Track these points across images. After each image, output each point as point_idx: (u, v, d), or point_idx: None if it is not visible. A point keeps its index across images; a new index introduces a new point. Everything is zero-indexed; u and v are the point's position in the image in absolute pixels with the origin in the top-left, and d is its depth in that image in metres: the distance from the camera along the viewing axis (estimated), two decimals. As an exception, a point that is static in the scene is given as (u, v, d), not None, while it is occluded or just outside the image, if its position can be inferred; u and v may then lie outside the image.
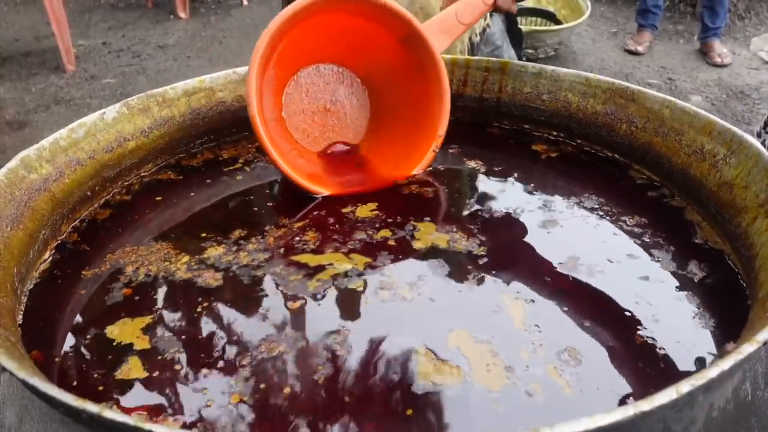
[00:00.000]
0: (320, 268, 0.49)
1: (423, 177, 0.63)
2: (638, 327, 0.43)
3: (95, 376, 0.41)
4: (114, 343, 0.43)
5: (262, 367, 0.41)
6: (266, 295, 0.47)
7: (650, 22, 2.93)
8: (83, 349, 0.43)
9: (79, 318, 0.46)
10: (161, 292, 0.48)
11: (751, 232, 0.47)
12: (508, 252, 0.52)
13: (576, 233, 0.54)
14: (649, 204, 0.58)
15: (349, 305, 0.46)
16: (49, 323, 0.45)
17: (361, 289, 0.47)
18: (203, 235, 0.54)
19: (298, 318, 0.45)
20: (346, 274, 0.49)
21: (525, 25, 2.74)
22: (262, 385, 0.39)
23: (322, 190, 0.59)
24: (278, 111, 0.64)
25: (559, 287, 0.47)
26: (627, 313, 0.45)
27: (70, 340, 0.44)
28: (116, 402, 0.38)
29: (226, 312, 0.46)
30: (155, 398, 0.39)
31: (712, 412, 0.35)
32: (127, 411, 0.38)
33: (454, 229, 0.54)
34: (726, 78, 2.63)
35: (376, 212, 0.56)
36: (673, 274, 0.48)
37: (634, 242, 0.52)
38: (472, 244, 0.52)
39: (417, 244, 0.52)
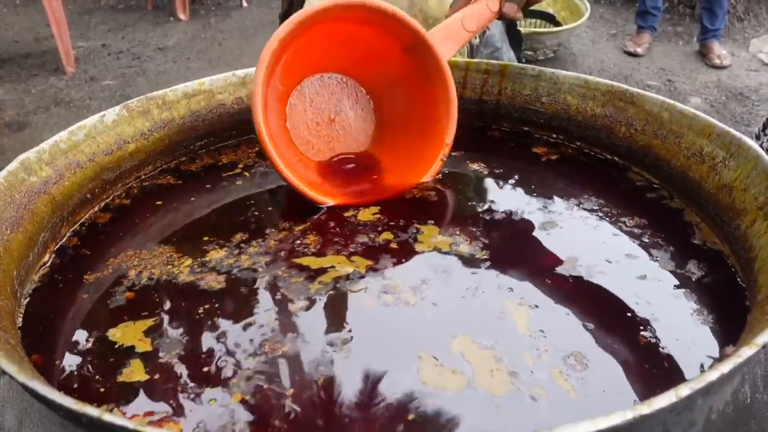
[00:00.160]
0: (322, 271, 0.49)
1: (426, 180, 0.62)
2: (641, 327, 0.43)
3: (97, 379, 0.41)
4: (116, 346, 0.43)
5: (263, 369, 0.41)
6: (268, 298, 0.47)
7: (649, 23, 2.94)
8: (85, 353, 0.43)
9: (81, 321, 0.46)
10: (164, 296, 0.48)
11: (750, 235, 0.47)
12: (510, 255, 0.52)
13: (577, 235, 0.54)
14: (649, 205, 0.58)
15: (352, 308, 0.46)
16: (50, 327, 0.46)
17: (364, 292, 0.47)
18: (205, 238, 0.54)
19: (300, 320, 0.45)
20: (348, 277, 0.49)
21: (524, 26, 2.74)
22: (264, 386, 0.39)
23: (328, 201, 0.58)
24: (282, 121, 0.63)
25: (562, 291, 0.47)
26: (629, 314, 0.45)
27: (71, 344, 0.44)
28: (117, 405, 0.38)
29: (229, 314, 0.46)
30: (157, 401, 0.39)
31: (711, 415, 0.35)
32: (129, 414, 0.38)
33: (457, 232, 0.54)
34: (725, 80, 2.64)
35: (378, 216, 0.57)
36: (673, 273, 0.48)
37: (635, 243, 0.52)
38: (475, 248, 0.52)
39: (419, 247, 0.52)
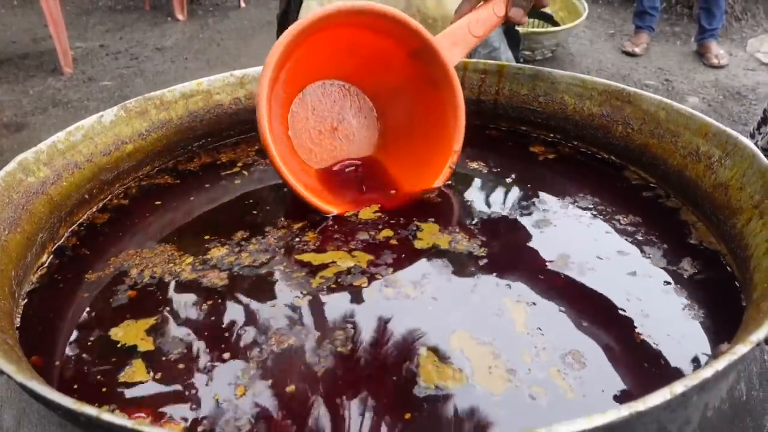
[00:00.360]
0: (323, 266, 0.50)
1: (435, 187, 0.61)
2: (636, 325, 0.43)
3: (98, 379, 0.41)
4: (118, 345, 0.43)
5: (265, 364, 0.41)
6: (271, 293, 0.47)
7: (647, 23, 2.94)
8: (86, 352, 0.43)
9: (82, 321, 0.46)
10: (167, 294, 0.48)
11: (745, 233, 0.47)
12: (508, 253, 0.52)
13: (575, 234, 0.54)
14: (646, 204, 0.58)
15: (353, 302, 0.46)
16: (50, 327, 0.46)
17: (365, 285, 0.47)
18: (206, 237, 0.54)
19: (301, 314, 0.45)
20: (349, 271, 0.49)
21: (522, 26, 2.75)
22: (267, 380, 0.39)
23: (334, 210, 0.57)
24: (285, 129, 0.62)
25: (560, 289, 0.47)
26: (627, 312, 0.45)
27: (72, 343, 0.44)
28: (119, 405, 0.38)
29: (232, 310, 0.46)
30: (159, 400, 0.39)
31: (707, 412, 0.35)
32: (131, 413, 0.38)
33: (457, 230, 0.54)
34: (723, 79, 2.64)
35: (378, 214, 0.57)
36: (672, 272, 0.49)
37: (635, 243, 0.52)
38: (474, 245, 0.52)
39: (419, 244, 0.52)
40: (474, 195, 0.61)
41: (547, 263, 0.50)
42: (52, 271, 0.52)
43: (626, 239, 0.53)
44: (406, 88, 0.64)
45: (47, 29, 2.80)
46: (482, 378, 0.39)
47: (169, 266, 0.51)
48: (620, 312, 0.45)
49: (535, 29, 2.74)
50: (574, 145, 0.68)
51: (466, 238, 0.53)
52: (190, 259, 0.51)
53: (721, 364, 0.30)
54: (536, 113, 0.70)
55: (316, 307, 0.46)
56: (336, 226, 0.55)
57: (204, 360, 0.42)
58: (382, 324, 0.44)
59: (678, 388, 0.28)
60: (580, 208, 0.57)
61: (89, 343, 0.44)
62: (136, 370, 0.41)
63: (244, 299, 0.47)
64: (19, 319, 0.46)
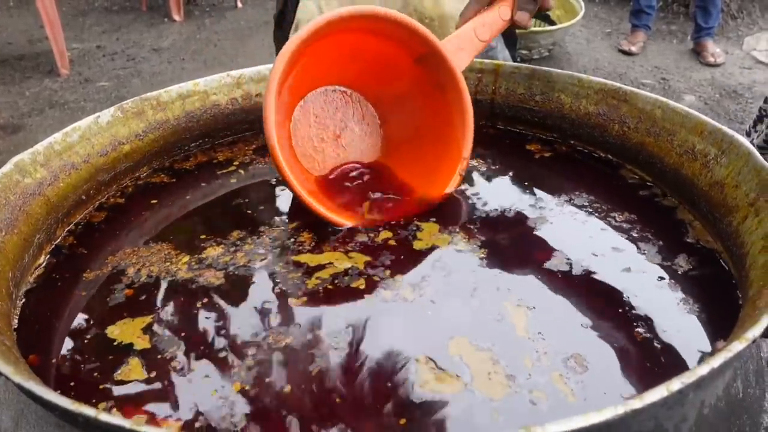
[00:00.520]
0: (319, 267, 0.50)
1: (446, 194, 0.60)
2: (636, 325, 0.43)
3: (95, 377, 0.41)
4: (114, 344, 0.43)
5: (261, 363, 0.41)
6: (266, 293, 0.47)
7: (644, 22, 2.95)
8: (83, 351, 0.43)
9: (79, 320, 0.46)
10: (164, 292, 0.48)
11: (741, 231, 0.47)
12: (508, 254, 0.52)
13: (575, 234, 0.54)
14: (645, 204, 0.58)
15: (350, 304, 0.46)
16: (47, 326, 0.46)
17: (362, 287, 0.47)
18: (202, 236, 0.54)
19: (296, 315, 0.45)
20: (346, 273, 0.49)
21: (519, 26, 2.74)
22: (261, 380, 0.39)
23: (347, 222, 0.55)
24: (288, 138, 0.60)
25: (562, 291, 0.47)
26: (628, 312, 0.45)
27: (69, 342, 0.44)
28: (116, 404, 0.38)
29: (228, 309, 0.46)
30: (156, 399, 0.39)
31: (703, 410, 0.36)
32: (127, 412, 0.38)
33: (457, 230, 0.54)
34: (719, 77, 2.65)
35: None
36: (672, 271, 0.49)
37: (631, 241, 0.52)
38: (474, 246, 0.52)
39: (418, 245, 0.52)
40: (473, 194, 0.61)
41: (547, 265, 0.50)
42: (49, 270, 0.52)
43: (623, 237, 0.53)
44: (411, 95, 0.63)
45: (43, 30, 2.79)
46: (481, 383, 0.39)
47: (166, 265, 0.51)
48: (621, 312, 0.45)
49: (532, 28, 2.74)
50: (570, 143, 0.68)
51: (466, 238, 0.53)
52: (186, 259, 0.51)
53: (717, 361, 0.30)
54: (533, 112, 0.70)
55: (312, 309, 0.46)
56: (333, 227, 0.55)
57: (200, 358, 0.42)
58: (379, 327, 0.44)
59: (674, 385, 0.28)
60: (578, 206, 0.57)
61: (86, 342, 0.44)
62: (132, 368, 0.41)
63: (240, 299, 0.47)
64: (16, 320, 0.46)
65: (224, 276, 0.49)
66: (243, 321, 0.45)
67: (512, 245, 0.53)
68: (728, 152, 0.52)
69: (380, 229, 0.54)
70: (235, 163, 0.67)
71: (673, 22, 3.27)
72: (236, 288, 0.48)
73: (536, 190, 0.60)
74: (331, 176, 0.61)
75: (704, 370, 0.29)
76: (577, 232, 0.54)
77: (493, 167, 0.65)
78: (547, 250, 0.51)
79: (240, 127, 0.72)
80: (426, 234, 0.53)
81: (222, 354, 0.42)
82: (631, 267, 0.49)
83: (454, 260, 0.50)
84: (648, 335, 0.43)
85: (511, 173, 0.64)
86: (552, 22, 2.74)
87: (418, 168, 0.61)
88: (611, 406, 0.27)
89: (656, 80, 2.65)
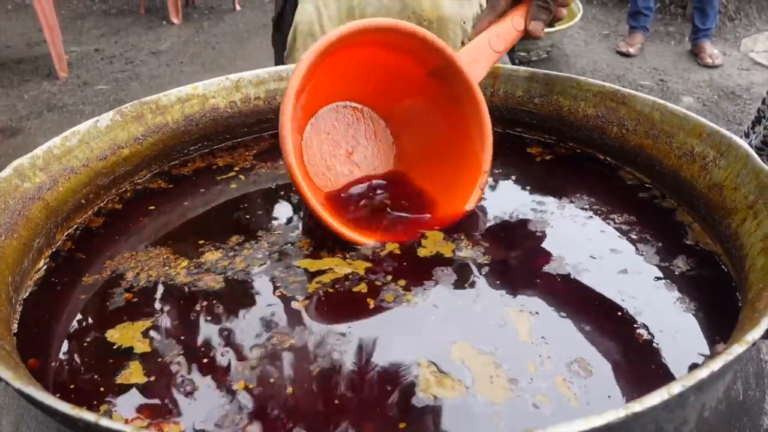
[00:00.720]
0: (320, 272, 0.50)
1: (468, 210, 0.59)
2: (639, 328, 0.43)
3: (95, 381, 0.41)
4: (114, 348, 0.43)
5: (261, 366, 0.41)
6: (266, 297, 0.47)
7: (641, 24, 2.95)
8: (83, 355, 0.43)
9: (78, 324, 0.46)
10: (163, 296, 0.48)
11: (740, 233, 0.47)
12: (512, 261, 0.52)
13: (577, 239, 0.54)
14: (651, 209, 0.58)
15: (352, 308, 0.46)
16: (47, 330, 0.46)
17: (365, 291, 0.47)
18: (200, 241, 0.54)
19: (298, 318, 0.45)
20: (346, 278, 0.49)
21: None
22: (262, 383, 0.39)
23: (367, 241, 0.53)
24: (300, 156, 0.58)
25: (566, 296, 0.47)
26: (631, 315, 0.45)
27: (69, 346, 0.44)
28: (116, 408, 0.38)
29: (228, 312, 0.46)
30: (157, 402, 0.39)
31: (704, 413, 0.36)
32: (128, 416, 0.38)
33: (462, 237, 0.54)
34: (717, 79, 2.65)
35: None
36: (672, 273, 0.49)
37: (631, 242, 0.52)
38: (477, 252, 0.52)
39: (422, 252, 0.52)
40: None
41: (551, 270, 0.49)
42: (48, 274, 0.51)
43: (623, 240, 0.53)
44: (425, 108, 0.61)
45: (42, 34, 2.80)
46: (483, 387, 0.39)
47: (165, 269, 0.51)
48: (623, 315, 0.45)
49: (530, 30, 2.75)
50: (570, 146, 0.69)
51: (470, 245, 0.52)
52: (185, 263, 0.51)
53: (717, 364, 0.30)
54: (531, 114, 0.70)
55: (313, 312, 0.46)
56: (331, 233, 0.54)
57: (200, 361, 0.42)
58: (382, 331, 0.44)
59: (675, 388, 0.28)
60: (579, 210, 0.57)
61: (86, 346, 0.44)
62: (132, 371, 0.41)
63: (240, 302, 0.47)
64: (16, 325, 0.46)
65: (224, 280, 0.49)
66: (244, 323, 0.45)
67: (516, 252, 0.53)
68: (727, 154, 0.52)
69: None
70: (236, 168, 0.67)
71: (670, 23, 3.28)
72: (236, 292, 0.48)
73: (538, 194, 0.60)
74: (344, 193, 0.59)
75: (704, 373, 0.29)
76: (579, 235, 0.54)
77: (495, 171, 0.64)
78: (550, 256, 0.51)
79: (239, 131, 0.72)
80: (430, 242, 0.53)
81: (223, 356, 0.42)
82: (632, 269, 0.49)
83: (457, 266, 0.50)
84: (650, 338, 0.43)
85: (513, 177, 0.63)
86: (550, 24, 2.74)
87: (434, 184, 0.59)
88: (612, 410, 0.27)
89: (654, 82, 2.65)
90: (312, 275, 0.49)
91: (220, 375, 0.40)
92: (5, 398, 0.41)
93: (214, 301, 0.47)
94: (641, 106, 0.61)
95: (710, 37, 2.85)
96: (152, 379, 0.40)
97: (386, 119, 0.63)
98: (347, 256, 0.51)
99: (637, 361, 0.41)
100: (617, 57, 2.91)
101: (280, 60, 1.04)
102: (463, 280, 0.49)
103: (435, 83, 0.60)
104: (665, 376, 0.40)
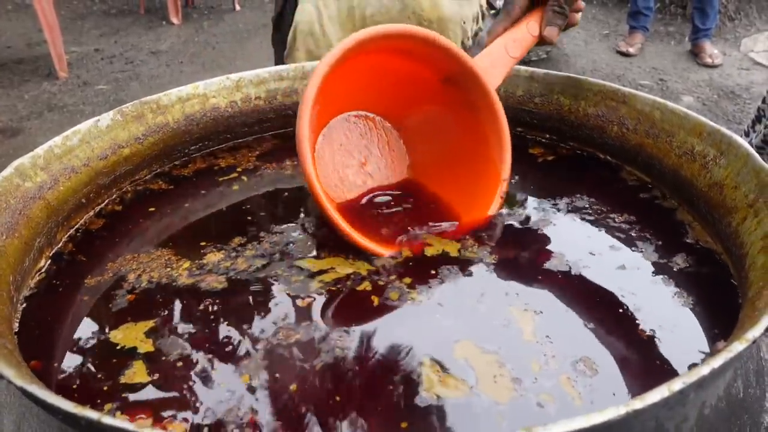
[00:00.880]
0: (322, 272, 0.50)
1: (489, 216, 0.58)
2: (643, 327, 0.43)
3: (99, 381, 0.41)
4: (118, 348, 0.43)
5: (265, 364, 0.41)
6: (269, 296, 0.47)
7: (641, 23, 2.96)
8: (86, 355, 0.43)
9: (81, 324, 0.46)
10: (166, 297, 0.48)
11: (741, 232, 0.47)
12: (517, 260, 0.52)
13: (581, 239, 0.54)
14: (651, 208, 0.58)
15: (356, 305, 0.46)
16: (49, 331, 0.46)
17: (369, 289, 0.47)
18: (202, 243, 0.54)
19: (301, 317, 0.45)
20: (348, 278, 0.49)
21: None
22: (266, 381, 0.39)
23: (386, 251, 0.51)
24: (314, 167, 0.56)
25: (570, 295, 0.47)
26: (635, 315, 0.45)
27: (71, 347, 0.44)
28: (120, 407, 0.38)
29: (231, 311, 0.46)
30: (161, 401, 0.39)
31: (704, 410, 0.36)
32: (132, 415, 0.38)
33: (467, 236, 0.54)
34: (717, 78, 2.65)
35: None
36: (673, 271, 0.49)
37: (629, 241, 0.53)
38: (483, 252, 0.51)
39: (429, 251, 0.52)
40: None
41: (555, 270, 0.50)
42: (50, 276, 0.52)
43: (625, 239, 0.53)
44: (439, 116, 0.61)
45: (42, 34, 2.80)
46: (487, 386, 0.39)
47: (167, 271, 0.51)
48: (627, 314, 0.45)
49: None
50: (571, 146, 0.69)
51: (476, 244, 0.52)
52: (186, 264, 0.51)
53: (717, 361, 0.30)
54: (531, 114, 0.70)
55: (316, 311, 0.46)
56: (333, 233, 0.54)
57: (204, 360, 0.42)
58: (385, 328, 0.44)
59: (676, 385, 0.28)
60: (581, 210, 0.57)
61: (88, 347, 0.44)
62: (136, 371, 0.41)
63: (243, 302, 0.47)
64: (17, 324, 0.46)
65: (226, 280, 0.49)
66: (247, 321, 0.45)
67: (521, 251, 0.53)
68: (727, 153, 0.52)
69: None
70: (239, 169, 0.67)
71: (670, 23, 3.28)
72: (238, 291, 0.48)
73: (541, 195, 0.60)
74: (359, 203, 0.58)
75: (705, 370, 0.29)
76: (582, 235, 0.54)
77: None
78: (554, 255, 0.51)
79: (240, 131, 0.72)
80: (436, 240, 0.53)
81: (227, 353, 0.42)
82: (633, 268, 0.49)
83: (462, 265, 0.50)
84: (653, 336, 0.43)
85: (516, 177, 0.63)
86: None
87: (450, 192, 0.58)
88: (613, 407, 0.27)
89: (654, 81, 2.65)
90: (315, 274, 0.49)
91: (224, 372, 0.40)
92: (7, 397, 0.41)
93: (217, 301, 0.47)
94: (641, 106, 0.61)
95: (710, 37, 2.85)
96: (156, 378, 0.40)
97: (399, 128, 0.63)
98: (354, 254, 0.51)
99: (642, 360, 0.41)
100: (617, 57, 2.92)
101: (280, 60, 1.04)
102: (468, 278, 0.49)
103: (448, 90, 0.59)
104: (669, 374, 0.40)
